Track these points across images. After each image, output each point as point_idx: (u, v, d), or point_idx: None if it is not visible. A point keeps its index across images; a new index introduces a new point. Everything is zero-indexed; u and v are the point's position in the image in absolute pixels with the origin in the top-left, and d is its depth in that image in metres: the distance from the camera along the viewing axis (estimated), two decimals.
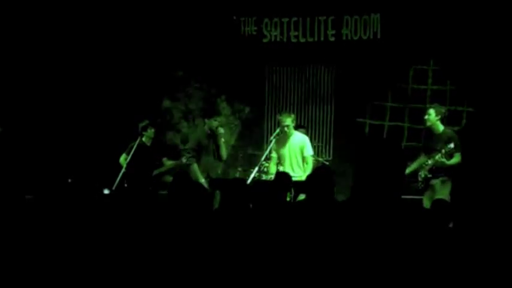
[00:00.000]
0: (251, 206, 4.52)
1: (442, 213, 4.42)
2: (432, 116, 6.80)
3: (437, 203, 5.17)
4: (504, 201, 6.97)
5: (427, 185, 6.73)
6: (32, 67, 9.43)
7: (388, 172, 2.40)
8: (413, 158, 8.31)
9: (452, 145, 6.49)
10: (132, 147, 7.65)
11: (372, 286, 2.32)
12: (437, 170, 6.64)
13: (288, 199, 6.93)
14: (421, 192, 6.87)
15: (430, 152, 6.76)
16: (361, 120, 9.00)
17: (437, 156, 6.54)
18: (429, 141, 6.88)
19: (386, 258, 2.29)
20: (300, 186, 6.73)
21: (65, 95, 9.44)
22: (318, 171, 4.81)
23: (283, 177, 5.29)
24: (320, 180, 4.49)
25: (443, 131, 6.79)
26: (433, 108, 6.88)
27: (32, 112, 9.33)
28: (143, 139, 7.98)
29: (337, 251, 2.45)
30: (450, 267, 2.62)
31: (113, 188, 7.25)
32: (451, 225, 4.71)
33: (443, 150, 6.51)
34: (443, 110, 6.88)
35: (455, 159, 6.60)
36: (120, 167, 7.68)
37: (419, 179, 6.81)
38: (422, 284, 2.31)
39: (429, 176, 6.68)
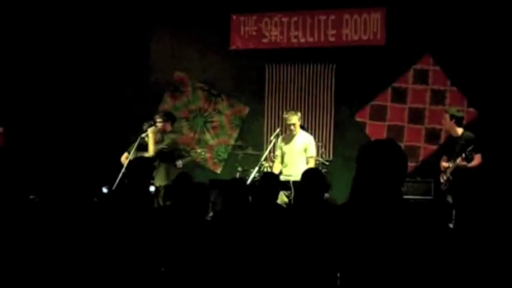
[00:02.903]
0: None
1: (442, 213, 4.43)
2: (447, 120, 6.85)
3: (438, 203, 5.19)
4: (505, 201, 6.97)
5: (450, 187, 6.76)
6: (31, 67, 9.45)
7: (389, 172, 2.40)
8: (412, 158, 8.36)
9: (470, 148, 6.53)
10: (133, 147, 7.65)
11: (373, 285, 2.32)
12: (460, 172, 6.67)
13: (287, 199, 6.95)
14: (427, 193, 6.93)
15: (450, 154, 6.81)
16: (361, 120, 9.00)
17: (458, 160, 6.57)
18: (449, 144, 6.91)
19: (387, 257, 2.29)
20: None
21: (65, 94, 9.45)
22: (309, 172, 4.79)
23: (268, 177, 5.24)
24: (309, 181, 4.50)
25: (462, 133, 6.83)
26: (447, 112, 6.90)
27: (32, 112, 9.34)
28: (145, 139, 7.97)
29: (333, 251, 2.46)
30: (451, 267, 2.62)
31: (113, 187, 7.25)
32: (451, 225, 4.72)
33: (463, 154, 6.54)
34: (458, 115, 6.87)
35: (476, 161, 6.62)
36: (121, 166, 7.67)
37: (442, 181, 6.84)
38: (422, 283, 2.32)
39: (451, 178, 6.70)
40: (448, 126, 6.88)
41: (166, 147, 7.71)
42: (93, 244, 3.84)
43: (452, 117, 6.82)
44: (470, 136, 6.77)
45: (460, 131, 6.83)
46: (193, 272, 3.81)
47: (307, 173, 4.66)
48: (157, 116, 7.95)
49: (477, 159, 6.62)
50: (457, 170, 6.62)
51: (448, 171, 6.74)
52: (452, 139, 6.90)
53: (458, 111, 6.98)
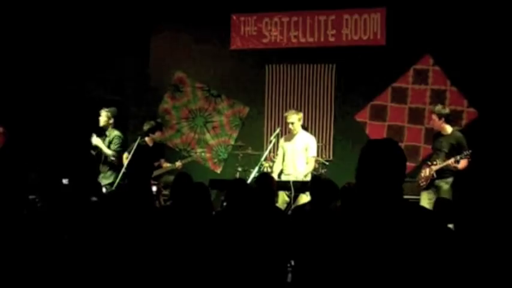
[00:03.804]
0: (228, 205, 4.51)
1: (444, 212, 4.42)
2: (436, 121, 6.83)
3: (440, 202, 5.18)
4: (505, 201, 6.97)
5: (429, 185, 6.75)
6: (31, 67, 9.45)
7: (389, 171, 2.40)
8: (412, 158, 8.35)
9: (467, 152, 6.54)
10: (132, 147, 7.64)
11: (372, 286, 2.32)
12: (445, 172, 6.66)
13: (287, 199, 6.95)
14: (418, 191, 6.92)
15: (437, 152, 6.80)
16: (361, 120, 9.00)
17: (451, 161, 6.55)
18: (437, 142, 6.88)
19: (388, 257, 2.29)
20: (300, 186, 6.73)
21: (65, 94, 9.46)
22: (319, 180, 4.83)
23: (264, 178, 5.23)
24: (321, 189, 4.54)
25: (452, 132, 6.83)
26: (434, 112, 6.89)
27: (31, 112, 9.34)
28: (146, 139, 7.96)
29: (337, 251, 2.46)
30: (451, 267, 2.62)
31: (113, 187, 7.25)
32: (452, 226, 4.71)
33: (458, 157, 6.52)
34: (444, 112, 6.87)
35: (464, 163, 6.61)
36: (122, 166, 7.67)
37: (422, 175, 6.82)
38: (423, 283, 2.32)
39: (435, 176, 6.68)
40: (438, 125, 6.86)
41: (113, 157, 7.70)
42: (95, 244, 3.84)
43: (440, 116, 6.81)
44: (461, 136, 6.77)
45: (449, 129, 6.83)
46: (196, 271, 3.81)
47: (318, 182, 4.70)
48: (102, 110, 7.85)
49: (465, 161, 6.61)
50: (443, 169, 6.62)
51: (434, 168, 6.69)
52: (440, 137, 6.86)
53: (443, 108, 6.98)
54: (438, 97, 8.60)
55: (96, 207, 4.39)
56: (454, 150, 6.63)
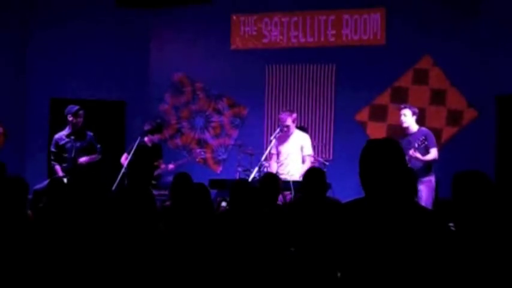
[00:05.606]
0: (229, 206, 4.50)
1: (445, 211, 4.41)
2: (408, 116, 6.88)
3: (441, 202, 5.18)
4: (504, 201, 6.96)
5: None
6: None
7: (390, 172, 2.40)
8: None
9: (422, 138, 6.61)
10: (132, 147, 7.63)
11: (372, 285, 2.32)
12: (419, 173, 6.64)
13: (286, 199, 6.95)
14: None
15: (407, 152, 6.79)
16: (361, 120, 9.00)
17: (411, 151, 6.53)
18: (405, 141, 6.84)
19: (390, 256, 2.29)
20: (300, 186, 6.73)
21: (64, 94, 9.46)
22: (311, 172, 4.80)
23: (268, 178, 5.21)
24: (312, 181, 4.52)
25: (418, 129, 6.90)
26: (409, 109, 6.94)
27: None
28: (145, 139, 7.94)
29: (336, 250, 2.46)
30: (450, 267, 2.62)
31: (113, 187, 7.24)
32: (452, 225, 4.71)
33: (415, 145, 6.56)
34: (416, 110, 6.97)
35: (431, 154, 6.63)
36: (121, 166, 7.66)
37: None
38: (422, 283, 2.32)
39: None
40: (410, 122, 6.90)
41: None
42: (95, 244, 3.84)
43: (414, 113, 6.88)
44: (427, 130, 6.89)
45: (416, 127, 6.89)
46: (198, 272, 3.81)
47: (309, 173, 4.68)
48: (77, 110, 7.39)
49: (433, 153, 6.63)
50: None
51: None
52: (407, 136, 6.86)
53: (415, 107, 7.08)
54: (438, 97, 8.60)
55: (97, 208, 4.38)
56: (423, 145, 6.66)
